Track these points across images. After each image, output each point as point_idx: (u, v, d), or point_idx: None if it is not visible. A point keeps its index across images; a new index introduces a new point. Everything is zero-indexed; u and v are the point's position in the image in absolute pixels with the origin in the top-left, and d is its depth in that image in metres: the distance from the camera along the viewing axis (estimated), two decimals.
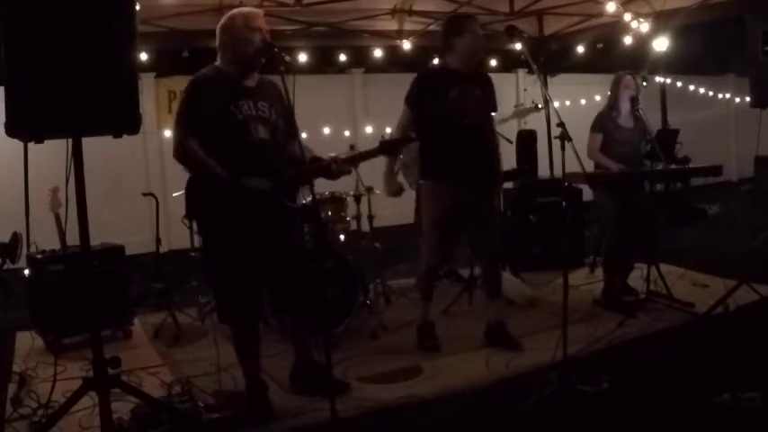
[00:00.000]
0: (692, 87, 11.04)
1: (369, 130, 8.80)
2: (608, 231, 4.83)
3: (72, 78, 2.44)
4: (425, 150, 3.86)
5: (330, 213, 4.58)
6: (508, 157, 4.76)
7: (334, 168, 3.15)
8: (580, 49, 7.79)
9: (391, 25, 6.77)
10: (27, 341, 4.28)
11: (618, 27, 6.41)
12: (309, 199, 3.12)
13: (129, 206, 6.89)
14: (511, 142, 5.76)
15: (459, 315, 4.67)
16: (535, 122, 6.89)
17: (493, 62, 8.93)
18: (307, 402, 3.23)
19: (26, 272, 4.29)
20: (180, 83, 6.74)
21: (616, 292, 4.75)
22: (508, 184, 5.80)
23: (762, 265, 4.60)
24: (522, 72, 9.89)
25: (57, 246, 4.16)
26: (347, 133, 8.63)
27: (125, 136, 2.65)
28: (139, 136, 3.14)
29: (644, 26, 6.07)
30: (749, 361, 3.36)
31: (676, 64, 9.82)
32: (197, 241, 3.47)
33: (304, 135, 5.29)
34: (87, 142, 2.61)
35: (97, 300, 2.87)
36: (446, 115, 3.75)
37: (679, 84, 10.75)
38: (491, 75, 4.09)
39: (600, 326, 4.22)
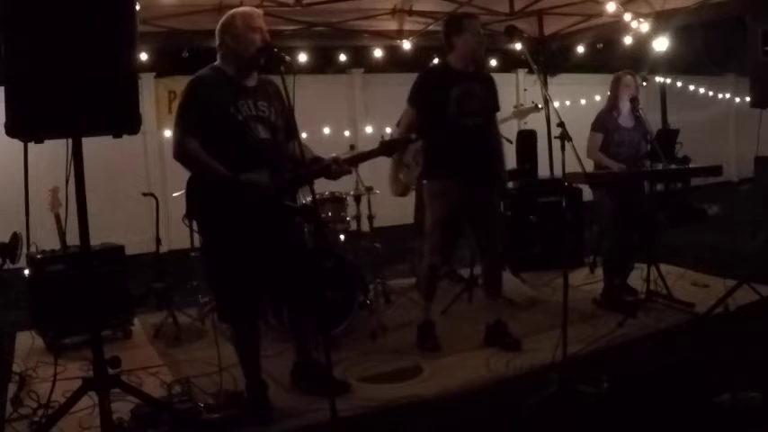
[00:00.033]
0: (692, 87, 11.04)
1: (369, 130, 8.80)
2: (608, 231, 4.84)
3: (72, 78, 2.44)
4: (428, 150, 3.87)
5: (330, 213, 4.58)
6: (508, 157, 4.75)
7: (334, 168, 3.15)
8: (580, 49, 7.79)
9: (391, 25, 6.76)
10: (27, 341, 4.28)
11: (618, 27, 6.41)
12: (309, 199, 3.12)
13: (129, 206, 6.89)
14: (511, 142, 5.77)
15: (459, 315, 4.67)
16: (535, 122, 6.88)
17: (493, 62, 8.93)
18: (307, 402, 3.23)
19: (26, 272, 4.29)
20: (180, 83, 6.74)
21: (616, 292, 4.75)
22: (508, 184, 5.79)
23: (762, 265, 4.59)
24: (522, 72, 9.89)
25: (57, 246, 4.17)
26: (347, 133, 8.63)
27: (125, 136, 2.65)
28: (139, 136, 3.15)
29: (644, 26, 6.06)
30: (749, 361, 3.37)
31: (676, 64, 9.81)
32: (197, 241, 3.46)
33: (304, 135, 5.30)
34: (87, 142, 2.62)
35: (97, 300, 2.87)
36: (448, 115, 3.75)
37: (679, 84, 10.75)
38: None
39: (600, 326, 4.23)
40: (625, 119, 4.69)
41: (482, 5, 6.04)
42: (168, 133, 7.03)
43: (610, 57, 9.12)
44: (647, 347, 3.89)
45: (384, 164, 4.15)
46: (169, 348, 4.24)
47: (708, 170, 4.81)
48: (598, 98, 9.05)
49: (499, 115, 4.11)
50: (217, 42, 3.12)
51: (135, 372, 3.68)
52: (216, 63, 3.14)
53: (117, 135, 2.65)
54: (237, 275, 3.04)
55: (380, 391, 3.42)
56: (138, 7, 2.83)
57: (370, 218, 4.96)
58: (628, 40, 6.60)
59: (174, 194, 3.87)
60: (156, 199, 4.67)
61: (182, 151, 2.96)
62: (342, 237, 4.68)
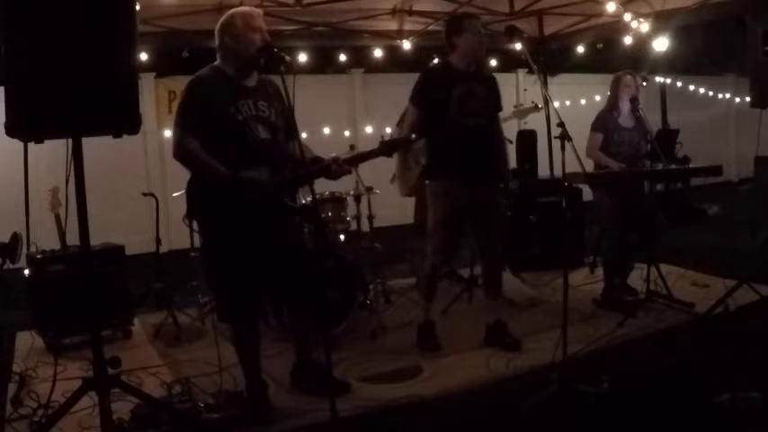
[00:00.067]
0: (692, 87, 11.04)
1: (369, 130, 8.80)
2: (608, 231, 4.84)
3: (72, 78, 2.44)
4: (431, 150, 3.88)
5: (330, 213, 4.58)
6: (508, 157, 4.76)
7: (334, 168, 3.15)
8: (580, 49, 7.79)
9: (391, 25, 6.76)
10: (27, 341, 4.28)
11: (618, 27, 6.41)
12: (309, 199, 3.12)
13: (129, 206, 6.88)
14: (511, 142, 5.75)
15: (459, 315, 4.67)
16: (535, 122, 6.88)
17: (493, 62, 8.92)
18: (307, 402, 3.23)
19: (26, 272, 4.29)
20: (180, 83, 6.74)
21: (616, 292, 4.75)
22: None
23: (762, 265, 4.59)
24: (522, 72, 9.89)
25: (57, 246, 4.17)
26: (347, 133, 8.63)
27: (125, 136, 2.65)
28: (139, 136, 3.15)
29: (644, 26, 6.06)
30: (749, 361, 3.37)
31: (676, 64, 9.82)
32: (197, 241, 3.47)
33: (304, 135, 5.29)
34: (87, 142, 2.61)
35: (97, 300, 2.87)
36: (450, 114, 3.75)
37: (679, 84, 10.75)
38: None
39: (600, 326, 4.23)
40: (625, 119, 4.69)
41: (482, 5, 6.04)
42: (168, 133, 7.03)
43: (610, 57, 9.12)
44: (647, 347, 3.89)
45: (384, 164, 4.14)
46: (169, 348, 4.24)
47: (708, 170, 4.81)
48: (598, 98, 9.05)
49: (500, 115, 4.11)
50: (216, 42, 3.12)
51: (135, 372, 3.68)
52: (216, 63, 3.14)
53: (117, 135, 2.65)
54: (237, 275, 3.04)
55: (380, 391, 3.42)
56: (138, 7, 2.83)
57: (370, 218, 4.96)
58: (628, 40, 6.61)
59: (174, 194, 3.87)
60: (156, 199, 4.67)
61: (182, 151, 2.96)
62: (342, 237, 4.68)
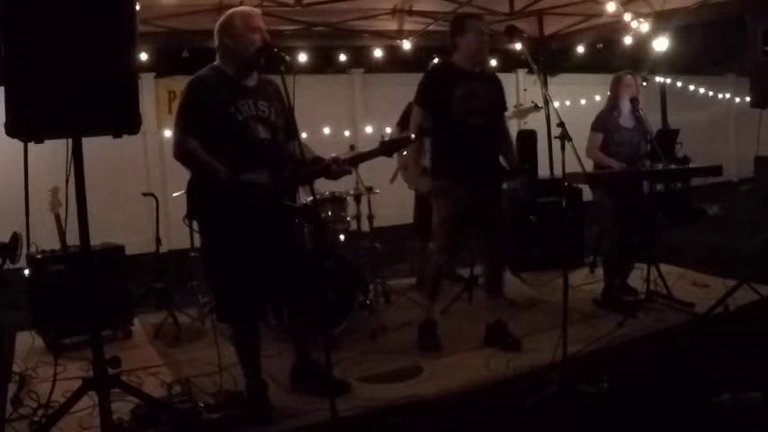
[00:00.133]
0: (692, 87, 11.04)
1: (369, 130, 8.81)
2: (608, 231, 4.83)
3: (72, 78, 2.44)
4: (435, 150, 3.87)
5: (330, 213, 4.58)
6: None
7: (334, 168, 3.15)
8: (580, 49, 7.78)
9: (391, 25, 6.76)
10: (27, 341, 4.28)
11: (618, 27, 6.40)
12: (309, 199, 3.12)
13: (129, 206, 6.89)
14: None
15: (459, 315, 4.66)
16: (535, 122, 6.87)
17: (493, 62, 8.91)
18: (307, 402, 3.23)
19: (26, 272, 4.29)
20: (180, 83, 6.74)
21: (616, 292, 4.75)
22: (506, 185, 5.79)
23: (762, 265, 4.59)
24: (522, 72, 9.89)
25: (57, 246, 4.17)
26: (347, 133, 8.63)
27: (125, 136, 2.65)
28: (139, 136, 3.15)
29: (644, 26, 6.06)
30: (749, 361, 3.37)
31: (676, 64, 9.81)
32: (197, 241, 3.46)
33: (304, 135, 5.30)
34: (87, 142, 2.61)
35: (97, 300, 2.87)
36: (453, 114, 3.75)
37: (679, 84, 10.75)
38: None
39: (600, 326, 4.23)
40: (626, 119, 4.69)
41: (482, 5, 6.03)
42: (168, 133, 7.03)
43: (610, 57, 9.12)
44: (647, 347, 3.89)
45: (384, 164, 4.15)
46: (169, 348, 4.24)
47: (708, 170, 4.81)
48: (598, 98, 9.05)
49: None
50: (216, 42, 3.12)
51: (135, 372, 3.68)
52: (215, 63, 3.14)
53: (117, 135, 2.65)
54: (237, 275, 3.04)
55: (380, 391, 3.42)
56: (138, 7, 2.83)
57: (370, 218, 4.96)
58: (628, 40, 6.60)
59: (174, 194, 3.87)
60: (156, 199, 4.67)
61: (182, 151, 2.96)
62: (342, 237, 4.68)
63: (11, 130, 2.42)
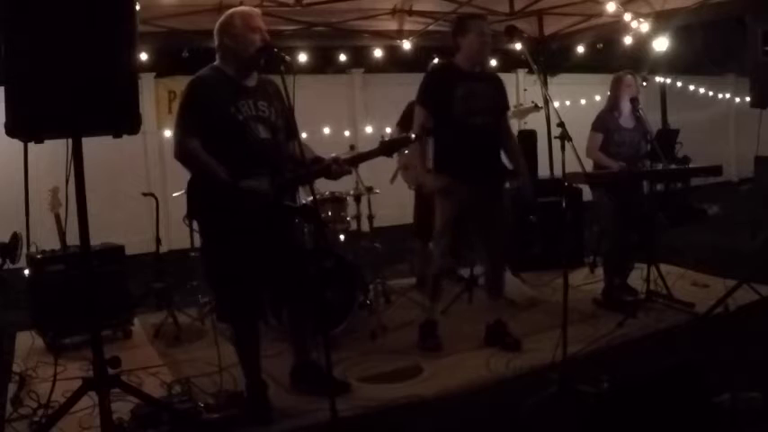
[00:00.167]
0: (692, 87, 11.04)
1: (369, 130, 8.81)
2: (608, 231, 4.83)
3: (72, 78, 2.44)
4: (437, 150, 3.87)
5: (330, 213, 4.58)
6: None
7: (334, 169, 3.15)
8: (580, 49, 7.78)
9: (391, 25, 6.76)
10: (27, 341, 4.28)
11: (618, 27, 6.40)
12: (309, 199, 3.12)
13: (129, 206, 6.89)
14: None
15: (459, 315, 4.66)
16: (535, 122, 6.89)
17: (493, 62, 8.92)
18: (307, 402, 3.23)
19: (26, 272, 4.29)
20: (180, 83, 6.74)
21: (616, 292, 4.75)
22: (508, 184, 5.79)
23: (762, 265, 4.59)
24: (522, 72, 9.89)
25: (57, 246, 4.17)
26: (347, 133, 8.63)
27: (125, 136, 2.65)
28: (139, 136, 3.15)
29: (644, 26, 6.06)
30: (749, 361, 3.37)
31: (676, 64, 9.82)
32: (197, 241, 3.47)
33: (304, 135, 5.30)
34: (87, 142, 2.61)
35: (97, 300, 2.87)
36: (454, 114, 3.76)
37: (679, 84, 10.75)
38: None
39: (600, 326, 4.23)
40: (626, 119, 4.69)
41: (482, 5, 6.03)
42: (168, 133, 7.04)
43: (610, 57, 9.12)
44: (647, 347, 3.89)
45: (384, 164, 4.15)
46: (169, 348, 4.24)
47: (708, 170, 4.81)
48: (598, 98, 9.05)
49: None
50: (216, 43, 3.12)
51: (135, 372, 3.68)
52: (216, 63, 3.14)
53: (117, 135, 2.65)
54: (237, 275, 3.04)
55: (380, 391, 3.42)
56: (138, 7, 2.83)
57: (370, 218, 4.96)
58: (628, 40, 6.60)
59: (174, 194, 3.87)
60: (156, 199, 4.67)
61: (182, 151, 2.96)
62: (342, 237, 4.68)
63: (11, 130, 2.42)
